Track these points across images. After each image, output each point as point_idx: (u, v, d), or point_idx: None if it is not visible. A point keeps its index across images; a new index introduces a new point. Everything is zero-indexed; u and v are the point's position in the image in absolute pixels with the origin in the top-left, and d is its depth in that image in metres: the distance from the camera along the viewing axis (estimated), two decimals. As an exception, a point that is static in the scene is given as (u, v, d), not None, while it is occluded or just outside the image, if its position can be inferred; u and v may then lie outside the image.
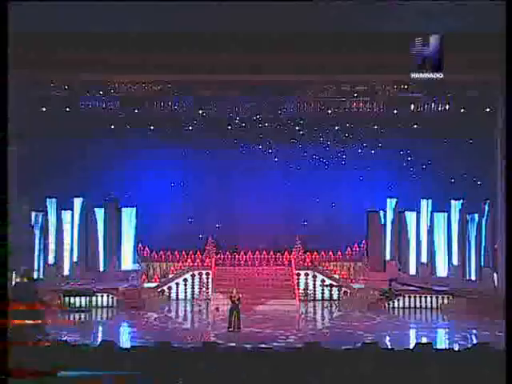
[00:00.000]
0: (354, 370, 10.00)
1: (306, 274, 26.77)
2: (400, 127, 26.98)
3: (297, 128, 28.02)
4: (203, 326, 21.32)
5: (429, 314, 23.22)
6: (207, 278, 26.64)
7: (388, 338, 18.25)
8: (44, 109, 24.51)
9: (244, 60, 20.86)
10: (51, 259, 25.73)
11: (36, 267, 24.66)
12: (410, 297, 24.14)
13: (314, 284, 26.66)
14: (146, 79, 23.63)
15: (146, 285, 26.10)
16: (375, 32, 19.35)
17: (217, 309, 23.34)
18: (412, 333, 19.54)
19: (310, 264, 27.36)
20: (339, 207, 28.98)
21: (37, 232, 24.94)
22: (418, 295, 24.15)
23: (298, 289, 25.93)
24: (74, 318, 21.68)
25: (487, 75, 21.40)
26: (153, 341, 14.54)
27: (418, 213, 27.82)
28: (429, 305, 23.97)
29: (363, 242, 28.50)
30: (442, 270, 26.77)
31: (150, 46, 20.29)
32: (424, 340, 17.80)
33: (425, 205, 27.73)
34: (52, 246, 25.83)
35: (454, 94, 24.08)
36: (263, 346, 13.98)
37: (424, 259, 27.42)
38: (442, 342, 17.82)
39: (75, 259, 26.66)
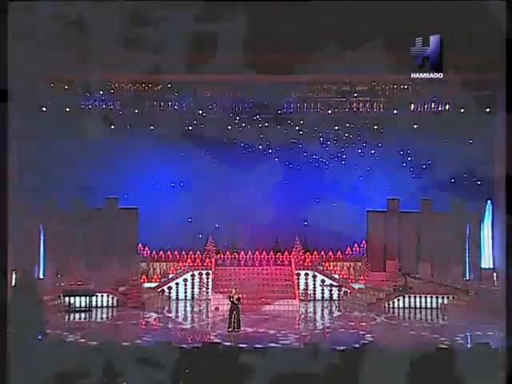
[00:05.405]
0: (353, 370, 9.99)
1: (306, 274, 26.80)
2: (400, 127, 26.98)
3: (297, 128, 28.03)
4: (203, 326, 21.31)
5: (429, 313, 23.20)
6: (207, 278, 26.65)
7: (388, 338, 18.22)
8: (44, 109, 24.48)
9: (244, 60, 20.82)
10: (51, 259, 25.70)
11: (36, 267, 24.63)
12: (409, 297, 24.13)
13: (314, 284, 26.68)
14: (145, 79, 23.60)
15: (146, 285, 26.10)
16: (375, 32, 19.32)
17: (217, 309, 23.36)
18: (412, 333, 19.50)
19: (309, 264, 27.38)
20: (339, 207, 28.96)
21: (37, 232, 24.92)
22: (418, 295, 24.13)
23: (298, 289, 25.93)
24: (74, 318, 21.68)
25: (487, 75, 21.38)
26: (153, 341, 14.52)
27: (419, 213, 27.80)
28: (429, 305, 23.96)
29: (363, 241, 28.51)
30: (442, 270, 26.72)
31: (151, 45, 20.25)
32: (424, 340, 17.77)
33: (425, 205, 27.70)
34: (53, 246, 25.80)
35: (454, 94, 24.06)
36: (263, 346, 13.95)
37: (424, 259, 27.39)
38: (442, 342, 17.78)
39: (75, 259, 26.63)
